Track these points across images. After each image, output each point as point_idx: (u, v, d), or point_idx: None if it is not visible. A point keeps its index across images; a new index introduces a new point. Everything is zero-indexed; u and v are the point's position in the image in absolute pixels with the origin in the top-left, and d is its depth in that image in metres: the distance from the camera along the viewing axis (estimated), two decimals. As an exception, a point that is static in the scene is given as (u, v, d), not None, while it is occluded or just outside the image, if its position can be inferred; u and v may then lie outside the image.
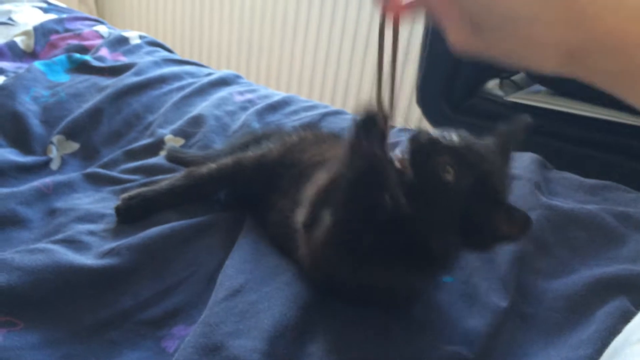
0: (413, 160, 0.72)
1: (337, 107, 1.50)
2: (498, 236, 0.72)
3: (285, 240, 0.88)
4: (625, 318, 0.74)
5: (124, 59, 1.52)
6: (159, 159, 1.13)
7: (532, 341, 0.78)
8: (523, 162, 1.18)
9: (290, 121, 1.33)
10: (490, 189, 0.72)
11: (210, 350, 0.68)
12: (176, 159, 1.13)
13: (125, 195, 0.95)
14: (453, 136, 0.74)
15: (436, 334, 0.78)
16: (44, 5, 1.82)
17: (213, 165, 0.99)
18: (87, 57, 1.45)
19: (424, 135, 0.73)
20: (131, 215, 0.94)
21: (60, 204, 0.96)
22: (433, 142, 0.72)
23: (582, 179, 1.17)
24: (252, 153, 1.00)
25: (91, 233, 0.88)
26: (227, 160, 1.00)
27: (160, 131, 1.22)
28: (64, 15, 1.71)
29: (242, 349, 0.68)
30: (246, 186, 1.00)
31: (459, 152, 0.71)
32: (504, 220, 0.70)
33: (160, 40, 1.74)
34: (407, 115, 2.44)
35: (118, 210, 0.93)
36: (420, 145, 0.72)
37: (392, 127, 0.69)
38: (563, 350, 0.76)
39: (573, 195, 1.11)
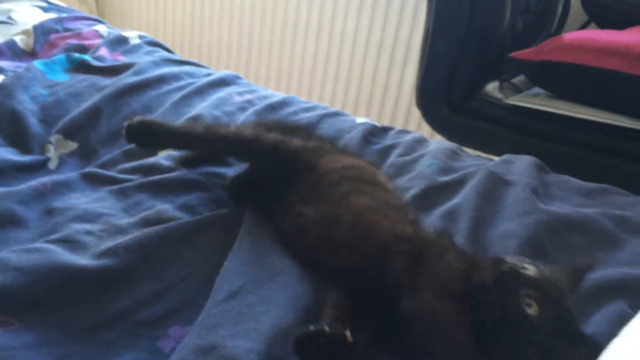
0: (494, 290, 0.68)
1: (336, 108, 1.50)
2: None
3: (302, 246, 0.88)
4: (623, 322, 0.73)
5: (123, 59, 1.52)
6: (157, 158, 1.13)
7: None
8: (521, 166, 1.18)
9: (289, 122, 1.33)
10: (570, 325, 0.69)
11: (207, 350, 0.68)
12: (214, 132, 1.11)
13: (140, 117, 0.99)
14: (530, 266, 0.71)
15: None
16: (44, 4, 1.82)
17: (232, 130, 0.99)
18: (87, 57, 1.45)
19: (505, 264, 0.70)
20: (137, 136, 0.98)
21: (57, 203, 0.96)
22: (515, 272, 0.69)
23: (580, 182, 1.17)
24: (272, 136, 0.99)
25: (88, 233, 0.88)
26: (248, 131, 0.99)
27: (159, 131, 1.21)
28: (64, 15, 1.71)
29: (240, 349, 0.68)
30: (254, 164, 1.01)
31: (541, 285, 0.69)
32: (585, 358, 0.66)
33: (160, 40, 1.74)
34: (407, 118, 2.45)
35: (128, 127, 0.97)
36: (502, 274, 0.69)
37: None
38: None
39: (571, 198, 1.11)
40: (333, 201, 0.89)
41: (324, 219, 0.86)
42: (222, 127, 1.02)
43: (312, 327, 0.67)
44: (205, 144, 1.00)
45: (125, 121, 1.00)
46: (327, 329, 0.66)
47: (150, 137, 0.98)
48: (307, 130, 1.21)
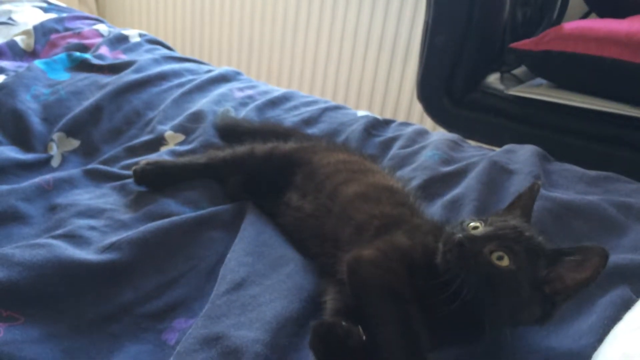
0: (464, 265, 0.69)
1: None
2: (575, 287, 0.69)
3: (301, 240, 0.91)
4: (627, 306, 0.73)
5: (124, 57, 1.52)
6: (160, 154, 1.13)
7: (535, 331, 0.78)
8: (523, 155, 1.17)
9: (290, 116, 1.33)
10: (542, 250, 0.70)
11: (212, 340, 0.68)
12: (227, 125, 1.22)
13: (145, 161, 1.02)
14: (475, 223, 0.73)
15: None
16: (44, 4, 1.82)
17: (230, 150, 1.06)
18: (87, 56, 1.46)
19: (456, 238, 0.70)
20: (145, 179, 1.01)
21: (60, 199, 0.97)
22: (470, 239, 0.70)
23: (583, 170, 1.16)
24: (265, 145, 1.06)
25: (92, 228, 0.88)
26: (243, 147, 1.06)
27: (160, 127, 1.22)
28: (64, 15, 1.72)
29: (244, 339, 0.69)
30: (256, 173, 1.04)
31: (498, 234, 0.70)
32: (571, 267, 0.68)
33: (161, 39, 1.74)
34: (409, 111, 2.44)
35: (135, 172, 1.00)
36: (461, 247, 0.69)
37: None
38: (565, 340, 0.76)
39: (574, 186, 1.11)
40: (326, 193, 0.91)
41: (317, 211, 0.90)
42: (219, 150, 1.08)
43: (329, 319, 0.67)
44: (208, 173, 1.05)
45: (132, 168, 1.03)
46: (344, 322, 0.67)
47: (155, 177, 1.02)
48: (301, 132, 1.24)
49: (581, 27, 1.53)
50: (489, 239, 0.70)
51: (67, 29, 1.64)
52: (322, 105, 1.39)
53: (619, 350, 0.57)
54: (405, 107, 2.44)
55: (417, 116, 2.40)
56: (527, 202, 0.80)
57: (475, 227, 0.73)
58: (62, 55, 1.43)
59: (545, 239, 0.73)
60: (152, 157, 1.12)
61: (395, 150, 1.25)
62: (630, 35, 1.44)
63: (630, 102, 1.47)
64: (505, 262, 0.68)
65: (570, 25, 1.56)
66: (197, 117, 1.25)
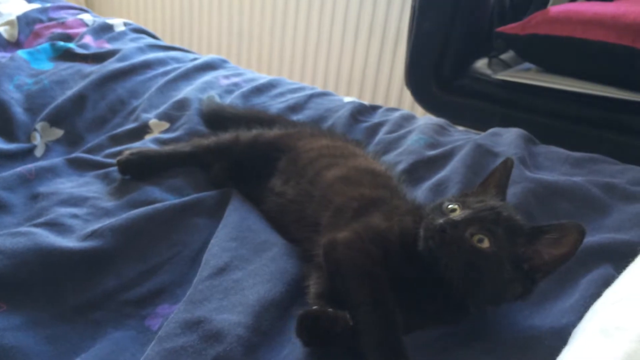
0: (446, 251, 0.69)
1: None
2: (553, 262, 0.70)
3: (284, 223, 0.91)
4: (608, 284, 0.74)
5: (108, 46, 1.50)
6: (144, 142, 1.12)
7: (518, 310, 0.78)
8: (508, 138, 1.18)
9: (276, 103, 1.33)
10: (520, 229, 0.71)
11: (193, 324, 0.68)
12: (213, 111, 1.22)
13: (128, 151, 1.02)
14: (453, 205, 0.73)
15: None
16: (28, -6, 1.80)
17: (214, 138, 1.06)
18: (71, 45, 1.44)
19: (438, 224, 0.70)
20: (130, 169, 1.00)
21: (43, 188, 0.96)
22: (451, 224, 0.69)
23: (568, 152, 1.16)
24: (250, 132, 1.06)
25: (74, 216, 0.88)
26: (227, 135, 1.07)
27: (145, 116, 1.22)
28: (48, 5, 1.70)
29: (226, 322, 0.69)
30: (240, 160, 1.04)
31: (477, 216, 0.70)
32: (549, 244, 0.69)
33: (150, 29, 1.72)
34: (400, 98, 2.44)
35: (119, 162, 1.00)
36: (442, 234, 0.69)
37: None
38: (548, 319, 0.76)
39: (559, 168, 1.11)
40: (308, 178, 0.92)
41: (299, 196, 0.90)
42: (204, 138, 1.09)
43: (315, 307, 0.67)
44: (192, 161, 1.05)
45: (115, 158, 1.03)
46: (330, 310, 0.67)
47: (139, 166, 1.01)
48: (286, 118, 1.24)
49: (567, 10, 1.53)
50: (469, 223, 0.70)
51: (51, 19, 1.62)
52: (308, 92, 1.39)
53: (597, 326, 0.58)
54: (396, 94, 2.44)
55: (408, 103, 2.40)
56: (502, 179, 0.80)
57: (453, 210, 0.73)
58: (46, 45, 1.42)
59: (523, 217, 0.74)
60: (137, 145, 1.11)
61: (381, 135, 1.25)
62: (616, 18, 1.44)
63: (616, 85, 1.47)
64: (485, 244, 0.69)
65: (557, 8, 1.56)
66: (182, 104, 1.24)
